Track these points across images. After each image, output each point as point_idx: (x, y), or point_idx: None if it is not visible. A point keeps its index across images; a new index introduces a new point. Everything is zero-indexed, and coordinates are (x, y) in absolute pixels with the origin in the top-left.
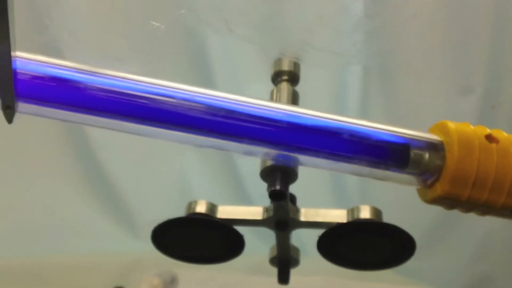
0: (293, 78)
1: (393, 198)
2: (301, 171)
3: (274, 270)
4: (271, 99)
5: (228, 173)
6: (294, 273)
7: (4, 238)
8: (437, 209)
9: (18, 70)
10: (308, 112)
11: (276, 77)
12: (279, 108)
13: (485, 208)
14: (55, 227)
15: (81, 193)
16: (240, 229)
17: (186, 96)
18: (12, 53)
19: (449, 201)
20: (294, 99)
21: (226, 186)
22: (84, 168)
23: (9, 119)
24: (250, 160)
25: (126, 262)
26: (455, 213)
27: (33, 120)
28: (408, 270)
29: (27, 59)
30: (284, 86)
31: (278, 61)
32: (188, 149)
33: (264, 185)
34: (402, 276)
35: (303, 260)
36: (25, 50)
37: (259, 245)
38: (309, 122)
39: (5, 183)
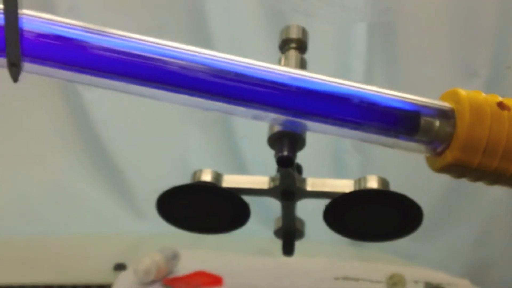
0: (301, 45)
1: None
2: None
3: (272, 250)
4: None
5: (232, 158)
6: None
7: (8, 217)
8: (438, 196)
9: (24, 28)
10: (317, 77)
11: (284, 45)
12: (289, 72)
13: (495, 176)
14: (59, 207)
15: (85, 173)
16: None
17: (195, 58)
18: (19, 11)
19: (458, 169)
20: (302, 67)
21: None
22: (87, 147)
23: (15, 78)
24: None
25: (128, 242)
26: (455, 201)
27: (36, 103)
28: (409, 254)
29: (33, 16)
30: (292, 54)
31: (286, 29)
32: (193, 131)
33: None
34: (403, 259)
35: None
36: None
37: (259, 228)
38: (318, 87)
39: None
